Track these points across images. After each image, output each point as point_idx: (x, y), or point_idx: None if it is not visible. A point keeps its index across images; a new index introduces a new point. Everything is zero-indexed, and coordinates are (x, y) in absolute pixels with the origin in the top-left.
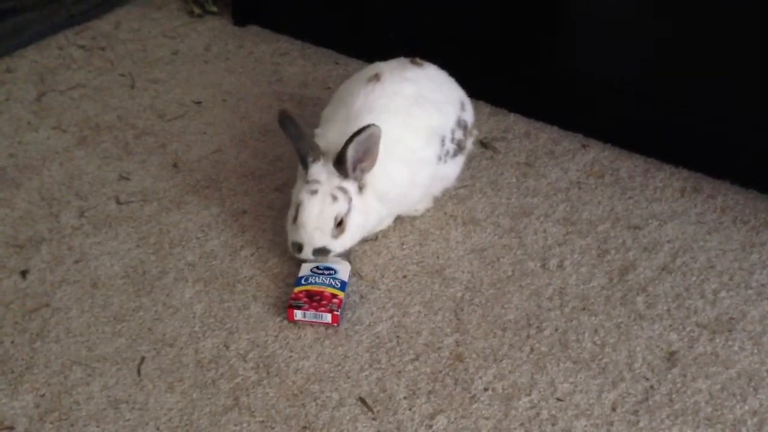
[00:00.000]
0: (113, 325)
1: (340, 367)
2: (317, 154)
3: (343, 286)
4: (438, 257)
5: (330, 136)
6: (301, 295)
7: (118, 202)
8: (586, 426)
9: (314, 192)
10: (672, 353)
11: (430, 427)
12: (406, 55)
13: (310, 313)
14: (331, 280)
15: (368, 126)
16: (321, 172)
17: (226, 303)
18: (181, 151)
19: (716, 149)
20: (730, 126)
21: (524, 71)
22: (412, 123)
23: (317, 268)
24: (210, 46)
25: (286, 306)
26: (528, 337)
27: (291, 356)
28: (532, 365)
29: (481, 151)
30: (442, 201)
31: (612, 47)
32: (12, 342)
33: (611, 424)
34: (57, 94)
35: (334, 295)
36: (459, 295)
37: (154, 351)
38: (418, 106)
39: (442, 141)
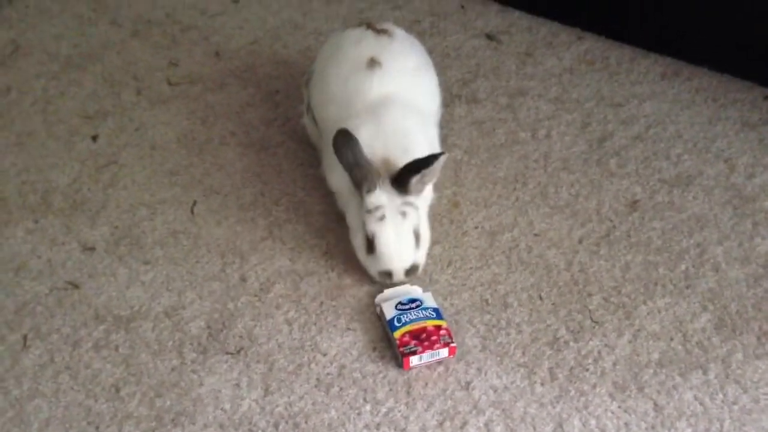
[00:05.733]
0: (170, 178)
1: None
2: (374, 182)
3: (438, 313)
4: (442, 129)
5: (364, 140)
6: (406, 339)
7: (170, 83)
8: (556, 254)
9: (382, 218)
10: (635, 202)
11: (429, 254)
12: None
13: (427, 354)
14: (424, 312)
15: (437, 156)
16: (380, 196)
17: (263, 162)
18: (222, 43)
19: (698, 38)
20: (712, 17)
21: None
22: (426, 90)
23: (401, 304)
24: None
25: (399, 358)
26: (514, 189)
27: (315, 200)
28: (515, 210)
29: (487, 43)
30: (448, 84)
31: None
32: (89, 189)
33: (577, 252)
34: None
35: (438, 327)
36: (459, 157)
37: (204, 197)
38: (423, 72)
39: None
